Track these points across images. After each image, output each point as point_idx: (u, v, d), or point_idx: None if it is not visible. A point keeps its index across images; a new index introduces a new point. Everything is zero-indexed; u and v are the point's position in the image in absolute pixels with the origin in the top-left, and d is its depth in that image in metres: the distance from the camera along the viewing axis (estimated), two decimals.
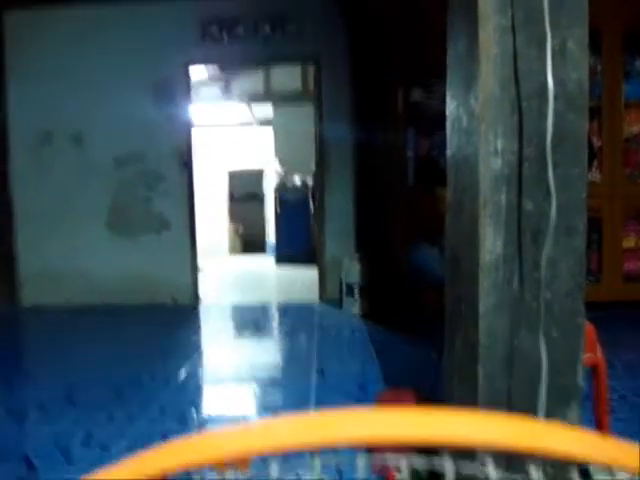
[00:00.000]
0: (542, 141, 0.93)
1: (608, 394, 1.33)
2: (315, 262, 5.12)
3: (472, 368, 1.04)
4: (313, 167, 4.97)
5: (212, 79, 7.59)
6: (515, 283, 0.98)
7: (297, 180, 7.68)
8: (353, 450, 0.41)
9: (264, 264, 7.75)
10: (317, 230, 4.76)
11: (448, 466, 0.36)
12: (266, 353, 3.29)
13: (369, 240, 4.28)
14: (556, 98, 0.91)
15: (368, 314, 4.01)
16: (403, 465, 0.39)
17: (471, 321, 1.04)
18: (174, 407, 2.38)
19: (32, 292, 4.63)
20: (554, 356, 0.98)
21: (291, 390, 2.58)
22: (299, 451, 0.37)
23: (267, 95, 7.60)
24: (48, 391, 2.61)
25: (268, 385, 2.66)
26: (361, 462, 0.42)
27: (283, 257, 7.43)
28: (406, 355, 3.09)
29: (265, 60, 5.13)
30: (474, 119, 1.00)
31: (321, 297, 4.66)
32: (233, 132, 9.61)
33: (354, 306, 4.11)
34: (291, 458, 0.40)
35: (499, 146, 0.95)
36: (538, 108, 0.93)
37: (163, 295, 4.57)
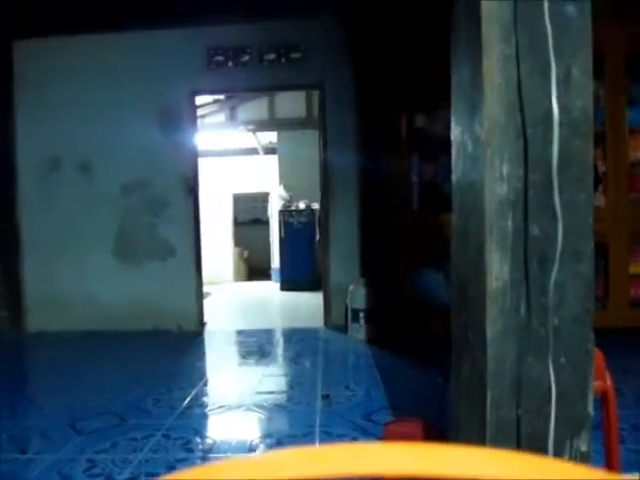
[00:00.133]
0: (548, 167, 0.93)
1: (618, 423, 1.31)
2: (320, 288, 5.11)
3: (480, 395, 1.03)
4: (318, 192, 5.00)
5: (217, 107, 7.70)
6: (522, 309, 0.98)
7: (302, 205, 7.72)
8: None
9: (269, 290, 7.74)
10: (322, 255, 4.76)
11: None
12: (271, 379, 3.26)
13: (374, 265, 4.28)
14: (561, 125, 0.92)
15: (374, 339, 3.99)
16: None
17: (478, 348, 1.03)
18: (179, 434, 2.35)
19: (38, 318, 4.64)
20: (563, 383, 0.96)
21: (296, 416, 2.55)
22: None
23: (271, 122, 7.70)
24: (52, 418, 2.59)
25: (273, 411, 2.63)
26: None
27: (288, 282, 7.42)
28: (412, 381, 3.06)
29: (270, 87, 5.21)
30: (479, 145, 1.01)
31: (326, 323, 4.64)
32: (238, 159, 9.70)
33: (359, 332, 4.09)
34: None
35: (505, 172, 0.96)
36: (543, 134, 0.94)
37: (168, 321, 4.57)
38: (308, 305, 5.89)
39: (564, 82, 0.94)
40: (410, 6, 3.72)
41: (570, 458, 0.96)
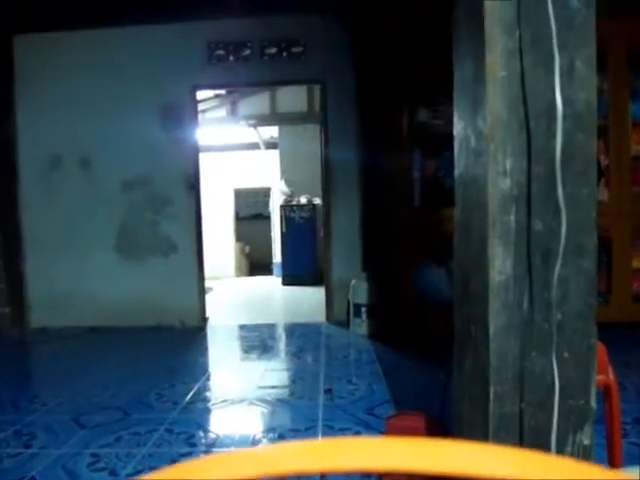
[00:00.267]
0: (551, 160, 0.93)
1: (621, 417, 1.31)
2: (321, 283, 5.11)
3: (482, 390, 1.03)
4: (319, 187, 4.99)
5: (218, 102, 7.68)
6: (525, 304, 0.98)
7: (303, 200, 7.72)
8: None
9: (270, 285, 7.75)
10: (324, 250, 4.76)
11: None
12: (273, 374, 3.26)
13: (376, 260, 4.28)
14: (564, 118, 0.91)
15: (375, 334, 3.99)
16: None
17: (481, 343, 1.03)
18: (182, 428, 2.36)
19: (41, 314, 4.65)
20: (566, 378, 0.97)
21: (299, 411, 2.56)
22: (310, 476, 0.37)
23: (273, 116, 7.68)
24: (56, 413, 2.60)
25: (276, 406, 2.64)
26: None
27: (289, 277, 7.43)
28: (414, 375, 3.06)
29: (271, 82, 5.20)
30: (482, 139, 1.01)
31: (328, 318, 4.65)
32: (240, 154, 9.69)
33: (361, 326, 4.09)
34: None
35: (508, 166, 0.96)
36: (546, 128, 0.94)
37: (171, 317, 4.57)
38: (310, 300, 5.90)
39: (568, 75, 0.93)
40: (412, 3, 3.70)
41: (573, 452, 0.97)
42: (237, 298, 6.73)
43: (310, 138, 7.13)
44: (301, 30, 4.48)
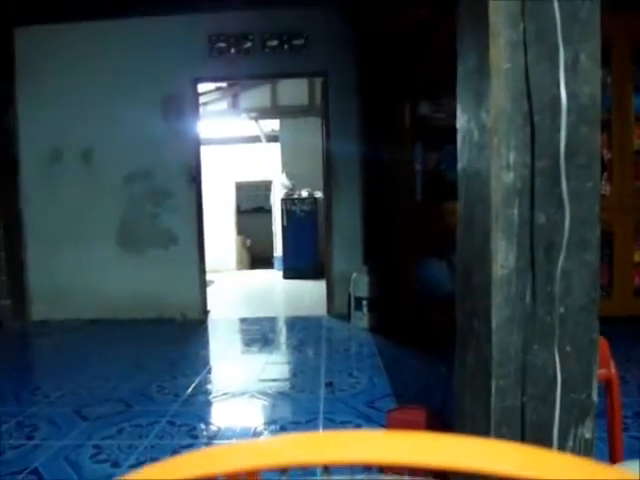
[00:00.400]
0: (555, 154, 0.93)
1: (622, 411, 1.31)
2: (322, 276, 5.12)
3: (484, 384, 1.03)
4: (320, 180, 4.99)
5: (219, 94, 7.66)
6: (528, 298, 0.98)
7: (304, 193, 7.72)
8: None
9: (271, 278, 7.76)
10: (325, 244, 4.76)
11: None
12: (274, 367, 3.27)
13: (377, 254, 4.28)
14: (568, 111, 0.91)
15: (376, 328, 4.00)
16: None
17: (483, 336, 1.03)
18: (183, 421, 2.37)
19: (42, 307, 4.66)
20: (568, 372, 0.97)
21: (300, 404, 2.57)
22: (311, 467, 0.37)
23: (274, 109, 7.66)
24: (58, 405, 2.61)
25: (277, 398, 2.65)
26: None
27: (290, 271, 7.44)
28: (415, 369, 3.07)
29: (273, 75, 5.18)
30: (486, 133, 1.00)
31: (329, 311, 4.66)
32: (241, 147, 9.67)
33: (362, 320, 4.10)
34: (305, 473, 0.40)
35: (511, 159, 0.95)
36: (550, 121, 0.93)
37: (172, 310, 4.58)
38: (311, 293, 5.91)
39: (572, 68, 0.93)
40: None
41: (574, 446, 0.97)
42: (238, 291, 6.74)
43: (311, 131, 7.12)
44: (302, 23, 4.46)
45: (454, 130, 1.25)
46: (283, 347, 3.82)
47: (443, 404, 2.02)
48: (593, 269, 0.96)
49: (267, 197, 9.34)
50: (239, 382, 3.00)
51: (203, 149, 4.93)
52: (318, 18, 4.43)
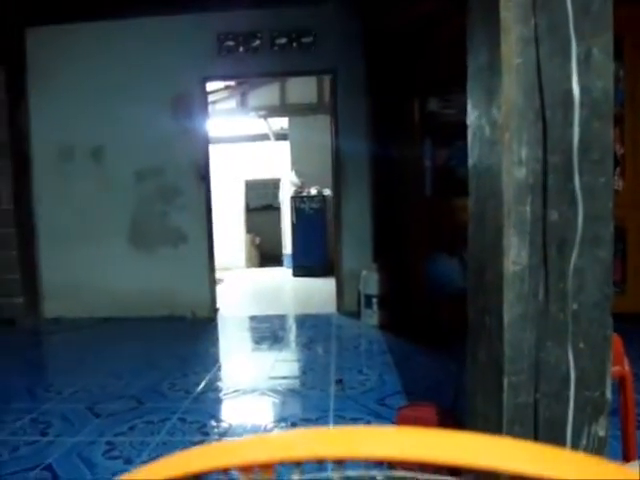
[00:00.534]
0: (567, 150, 0.92)
1: (636, 409, 1.30)
2: (332, 274, 5.12)
3: (496, 381, 1.02)
4: (329, 178, 4.98)
5: (228, 93, 7.67)
6: (541, 294, 0.97)
7: (313, 191, 7.71)
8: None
9: (281, 276, 7.77)
10: (334, 242, 4.75)
11: None
12: (284, 364, 3.28)
13: (387, 251, 4.27)
14: (581, 106, 0.90)
15: (386, 325, 4.00)
16: None
17: (495, 333, 1.03)
18: (195, 418, 2.38)
19: (54, 304, 4.70)
20: (581, 369, 0.96)
21: (310, 401, 2.57)
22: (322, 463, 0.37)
23: (283, 107, 7.66)
24: (70, 401, 2.63)
25: (287, 396, 2.66)
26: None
27: (300, 268, 7.44)
28: (425, 366, 3.06)
29: (282, 73, 5.17)
30: (497, 129, 1.00)
31: (339, 308, 4.65)
32: (250, 146, 9.69)
33: (372, 317, 4.10)
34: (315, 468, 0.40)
35: (523, 155, 0.95)
36: (563, 116, 0.92)
37: (182, 308, 4.61)
38: (320, 291, 5.91)
39: (584, 63, 0.92)
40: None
41: (588, 443, 0.96)
42: (248, 289, 6.75)
43: (320, 129, 7.10)
44: (311, 20, 4.45)
45: (464, 126, 1.25)
46: (293, 345, 3.83)
47: (454, 401, 2.01)
48: (606, 265, 0.96)
49: (276, 195, 9.35)
50: (249, 379, 3.01)
51: (212, 147, 4.94)
52: (326, 15, 4.42)
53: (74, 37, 4.59)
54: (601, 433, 0.98)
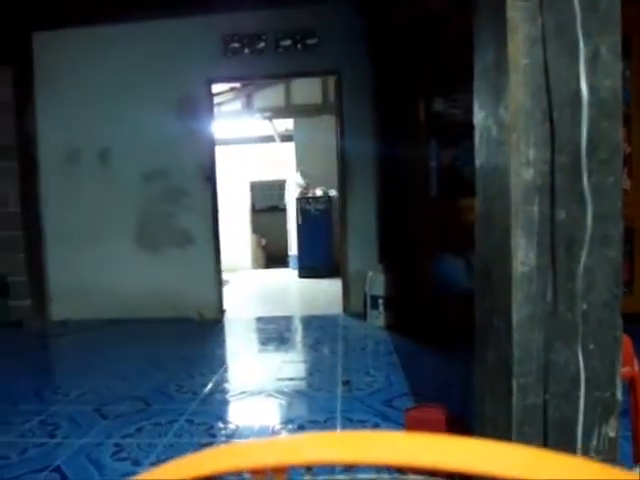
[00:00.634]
0: (575, 150, 0.91)
1: None
2: (338, 275, 5.11)
3: (505, 383, 1.02)
4: (335, 179, 4.98)
5: (234, 95, 7.68)
6: (549, 295, 0.96)
7: (319, 192, 7.71)
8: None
9: (287, 277, 7.77)
10: (340, 242, 4.75)
11: None
12: (291, 366, 3.28)
13: (393, 252, 4.27)
14: (589, 106, 0.90)
15: (393, 326, 3.99)
16: None
17: (504, 334, 1.02)
18: (202, 419, 2.39)
19: (62, 306, 4.72)
20: (591, 370, 0.95)
21: (317, 402, 2.57)
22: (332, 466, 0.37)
23: (288, 108, 7.66)
24: (78, 403, 2.64)
25: (294, 397, 2.65)
26: None
27: (306, 270, 7.44)
28: (432, 367, 3.06)
29: (286, 74, 5.18)
30: (504, 129, 0.99)
31: (345, 309, 4.65)
32: (255, 147, 9.70)
33: (378, 318, 4.09)
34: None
35: (531, 156, 0.94)
36: (571, 116, 0.92)
37: (189, 309, 4.62)
38: (326, 292, 5.91)
39: (592, 62, 0.91)
40: None
41: (598, 445, 0.96)
42: (254, 290, 6.76)
43: (325, 130, 7.11)
44: (315, 21, 4.45)
45: (470, 126, 1.24)
46: (299, 346, 3.83)
47: (460, 402, 2.01)
48: (616, 265, 0.95)
49: (282, 196, 9.36)
50: (256, 381, 3.01)
51: (218, 149, 4.95)
52: (331, 16, 4.42)
53: (80, 40, 4.61)
54: (611, 434, 0.97)
